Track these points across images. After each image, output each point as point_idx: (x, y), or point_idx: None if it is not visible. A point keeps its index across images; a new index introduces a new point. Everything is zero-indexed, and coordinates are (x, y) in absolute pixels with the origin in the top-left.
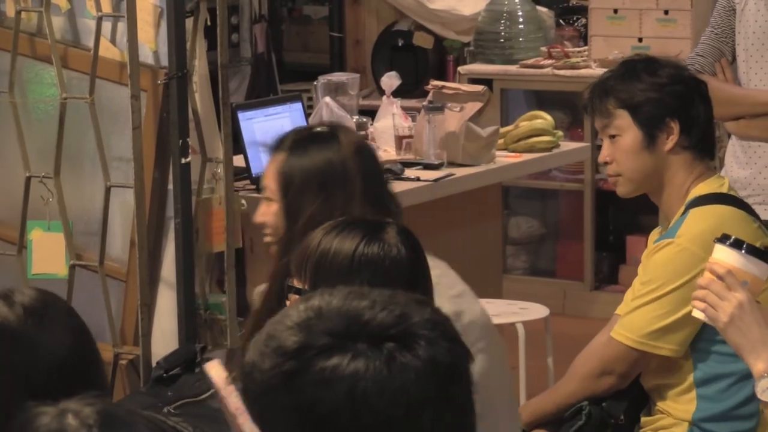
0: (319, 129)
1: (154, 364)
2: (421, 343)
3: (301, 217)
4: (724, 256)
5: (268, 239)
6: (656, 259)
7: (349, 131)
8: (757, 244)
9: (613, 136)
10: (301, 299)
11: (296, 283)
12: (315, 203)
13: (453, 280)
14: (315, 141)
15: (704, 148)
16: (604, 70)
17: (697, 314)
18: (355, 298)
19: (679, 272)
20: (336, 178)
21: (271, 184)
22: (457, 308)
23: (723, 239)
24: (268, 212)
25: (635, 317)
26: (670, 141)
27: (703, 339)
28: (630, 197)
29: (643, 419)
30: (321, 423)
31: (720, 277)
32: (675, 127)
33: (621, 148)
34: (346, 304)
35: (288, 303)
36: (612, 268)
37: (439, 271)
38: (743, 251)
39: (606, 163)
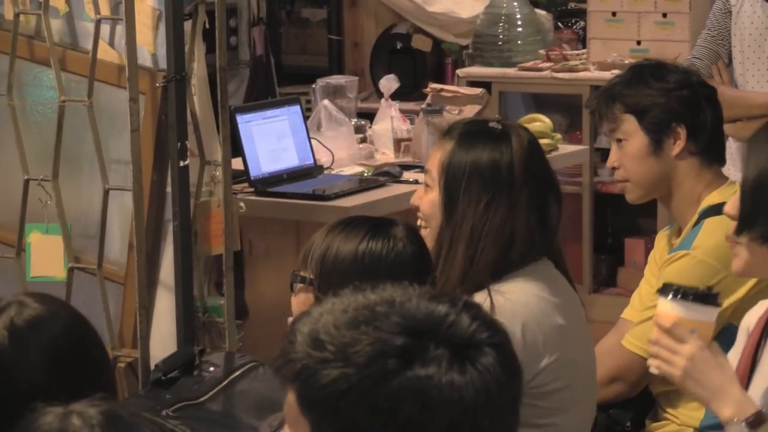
0: (492, 124)
1: (152, 367)
2: (488, 357)
3: (459, 217)
4: (668, 308)
5: (420, 223)
6: (671, 270)
7: (522, 132)
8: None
9: (620, 141)
10: (324, 298)
11: (303, 273)
12: (477, 207)
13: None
14: (485, 137)
15: (713, 153)
16: (603, 73)
17: (653, 370)
18: (437, 300)
19: (694, 284)
20: (501, 182)
21: (432, 171)
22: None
23: (664, 291)
24: (425, 199)
25: (648, 327)
26: (677, 146)
27: None
28: (639, 203)
29: (650, 425)
30: (401, 427)
31: (667, 331)
32: (682, 132)
33: (628, 153)
34: (429, 304)
35: (293, 291)
36: (610, 270)
37: (572, 310)
38: (685, 300)
39: (614, 168)
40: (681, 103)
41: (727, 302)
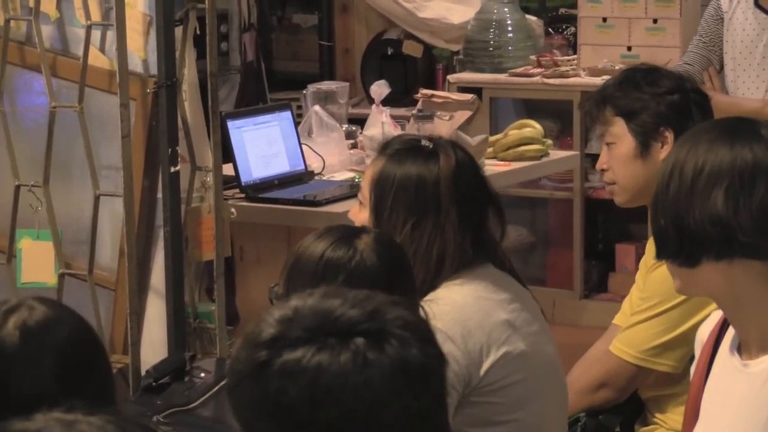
0: (423, 143)
1: (143, 373)
2: (392, 342)
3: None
4: None
5: None
6: (656, 276)
7: (452, 151)
8: None
9: (609, 144)
10: (282, 300)
11: (279, 289)
12: (404, 229)
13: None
14: (414, 155)
15: None
16: (594, 78)
17: None
18: (330, 297)
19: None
20: (426, 202)
21: (364, 188)
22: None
23: None
24: (360, 216)
25: (635, 333)
26: (664, 150)
27: None
28: (628, 207)
29: (639, 429)
30: (284, 414)
31: None
32: (670, 136)
33: (615, 155)
34: (321, 302)
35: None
36: (601, 276)
37: (519, 305)
38: None
39: (603, 171)
40: (670, 108)
41: (712, 307)
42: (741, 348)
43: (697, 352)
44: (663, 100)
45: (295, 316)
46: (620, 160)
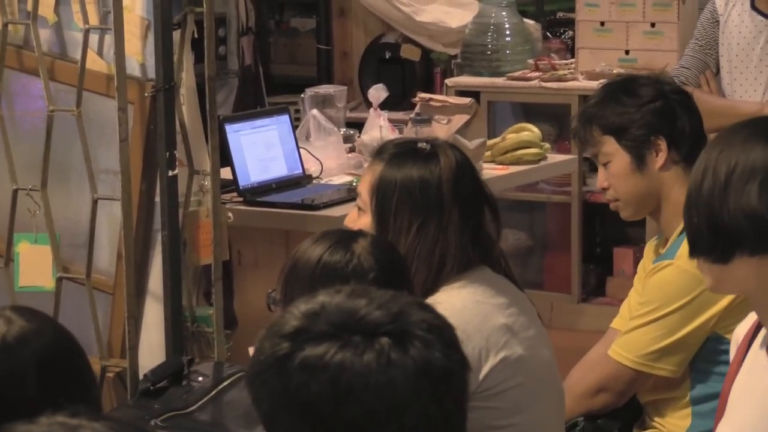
0: (420, 145)
1: (141, 377)
2: (416, 344)
3: (392, 241)
4: None
5: None
6: (655, 281)
7: (451, 151)
8: None
9: (605, 163)
10: (308, 296)
11: (276, 294)
12: (409, 233)
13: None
14: (413, 157)
15: (696, 157)
16: (591, 82)
17: None
18: (357, 296)
19: (678, 294)
20: (430, 204)
21: (363, 193)
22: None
23: None
24: (359, 222)
25: (634, 337)
26: (660, 158)
27: (703, 359)
28: (635, 219)
29: None
30: (304, 409)
31: None
32: (662, 143)
33: (613, 173)
34: (347, 300)
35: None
36: (599, 280)
37: (517, 309)
38: None
39: (604, 189)
40: (656, 115)
41: (710, 312)
42: None
43: (732, 352)
44: (647, 109)
45: (322, 311)
46: (618, 177)
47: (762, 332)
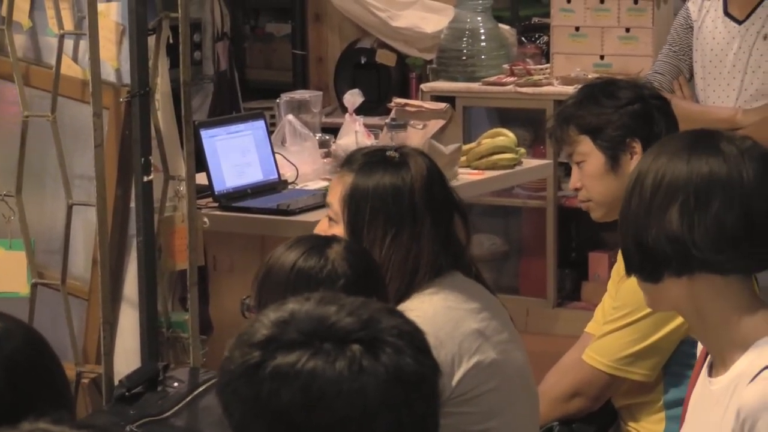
0: (389, 153)
1: (116, 383)
2: (387, 350)
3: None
4: None
5: None
6: (628, 285)
7: (420, 158)
8: None
9: (579, 163)
10: (278, 303)
11: (250, 300)
12: (383, 243)
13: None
14: (383, 166)
15: None
16: (566, 87)
17: None
18: (326, 303)
19: None
20: (403, 213)
21: (335, 204)
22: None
23: None
24: (330, 233)
25: (608, 342)
26: (634, 161)
27: (677, 363)
28: (606, 221)
29: None
30: (276, 417)
31: None
32: (637, 146)
33: (587, 173)
34: (317, 307)
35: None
36: (574, 284)
37: (489, 314)
38: None
39: (577, 190)
40: (633, 117)
41: (680, 320)
42: (713, 363)
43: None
44: (625, 111)
45: (292, 318)
46: (592, 177)
47: None
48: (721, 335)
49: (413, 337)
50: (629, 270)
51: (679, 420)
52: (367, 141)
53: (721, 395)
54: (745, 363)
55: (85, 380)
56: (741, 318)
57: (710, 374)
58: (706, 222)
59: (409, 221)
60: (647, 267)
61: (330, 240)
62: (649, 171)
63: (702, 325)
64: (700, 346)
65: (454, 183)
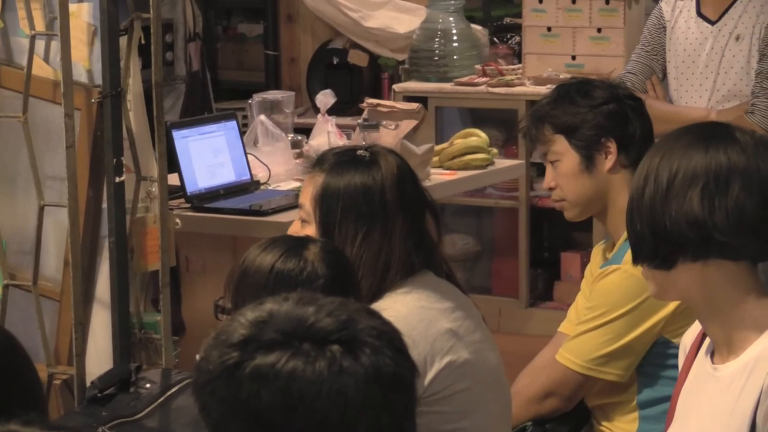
0: (360, 152)
1: (88, 384)
2: (366, 350)
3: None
4: None
5: None
6: (602, 285)
7: (391, 157)
8: None
9: (553, 162)
10: (255, 303)
11: (224, 302)
12: (354, 241)
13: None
14: (354, 165)
15: None
16: (538, 87)
17: None
18: (305, 304)
19: (625, 299)
20: (375, 212)
21: (306, 204)
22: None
23: None
24: (302, 234)
25: (581, 342)
26: (609, 161)
27: (651, 363)
28: (578, 220)
29: None
30: (256, 418)
31: None
32: (612, 146)
33: (561, 172)
34: (296, 308)
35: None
36: (547, 284)
37: (462, 313)
38: None
39: (551, 189)
40: (608, 117)
41: (657, 317)
42: (714, 352)
43: (681, 360)
44: (600, 111)
45: (270, 319)
46: (566, 177)
47: (708, 339)
48: (732, 320)
49: (392, 337)
50: (638, 259)
51: (653, 420)
52: (340, 141)
53: (734, 379)
54: (762, 346)
55: (57, 381)
56: (753, 302)
57: (713, 362)
58: (727, 206)
59: (381, 219)
60: (662, 252)
61: (305, 241)
62: (662, 165)
63: (711, 312)
64: (681, 345)
65: (426, 183)
